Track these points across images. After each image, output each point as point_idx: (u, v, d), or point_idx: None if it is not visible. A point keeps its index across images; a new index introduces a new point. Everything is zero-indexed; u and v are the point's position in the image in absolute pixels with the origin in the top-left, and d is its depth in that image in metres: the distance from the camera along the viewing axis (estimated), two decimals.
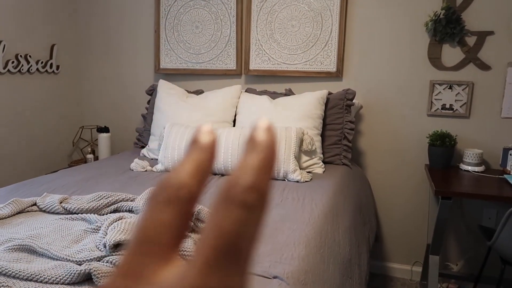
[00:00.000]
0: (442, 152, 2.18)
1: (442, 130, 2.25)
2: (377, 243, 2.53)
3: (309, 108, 2.19)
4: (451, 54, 2.26)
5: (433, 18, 2.21)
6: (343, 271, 1.40)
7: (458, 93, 2.27)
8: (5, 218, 1.39)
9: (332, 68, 2.44)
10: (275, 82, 2.58)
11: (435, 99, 2.31)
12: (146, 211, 0.19)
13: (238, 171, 0.18)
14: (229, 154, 1.99)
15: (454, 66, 2.26)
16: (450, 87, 2.27)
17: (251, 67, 2.59)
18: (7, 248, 1.16)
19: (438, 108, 2.31)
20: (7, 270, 1.04)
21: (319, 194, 1.77)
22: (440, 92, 2.29)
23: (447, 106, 2.29)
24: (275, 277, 1.08)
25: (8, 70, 2.45)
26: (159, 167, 2.11)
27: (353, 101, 2.29)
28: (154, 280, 0.17)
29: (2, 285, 0.99)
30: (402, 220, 2.49)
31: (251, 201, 0.17)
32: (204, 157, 0.19)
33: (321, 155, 2.21)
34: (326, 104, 2.28)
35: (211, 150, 0.19)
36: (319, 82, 2.50)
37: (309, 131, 2.15)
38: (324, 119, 2.27)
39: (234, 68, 2.63)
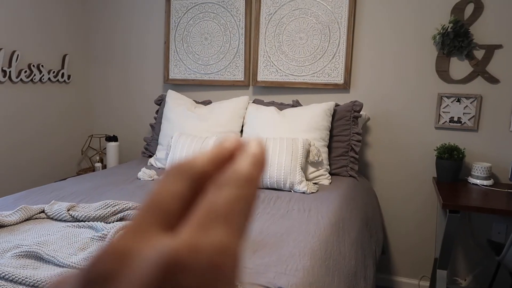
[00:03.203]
0: (450, 165, 2.16)
1: (450, 143, 2.24)
2: (383, 256, 2.50)
3: (316, 120, 2.20)
4: (459, 67, 2.26)
5: (441, 31, 2.22)
6: (348, 284, 1.38)
7: (466, 106, 2.26)
8: (13, 225, 1.41)
9: (340, 80, 2.45)
10: (282, 93, 2.59)
11: (443, 111, 2.30)
12: (159, 181, 0.20)
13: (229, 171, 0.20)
14: None
15: (463, 79, 2.25)
16: (458, 100, 2.27)
17: (259, 79, 2.61)
18: (14, 255, 1.17)
19: (446, 121, 2.30)
20: (13, 276, 1.05)
21: (325, 206, 1.76)
22: (448, 105, 2.29)
23: (455, 119, 2.28)
24: None
25: (21, 79, 2.50)
26: None
27: (360, 112, 2.29)
28: (155, 242, 0.17)
29: None
30: (409, 234, 2.47)
31: (241, 182, 0.19)
32: (224, 153, 0.21)
33: (328, 167, 2.21)
34: (333, 116, 2.29)
35: (232, 151, 0.21)
36: (326, 94, 2.51)
37: (316, 143, 2.15)
38: (331, 131, 2.27)
39: (242, 79, 2.65)
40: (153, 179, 2.12)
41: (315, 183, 2.09)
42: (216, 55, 2.69)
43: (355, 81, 2.46)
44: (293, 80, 2.54)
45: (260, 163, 0.20)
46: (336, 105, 2.33)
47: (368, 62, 2.42)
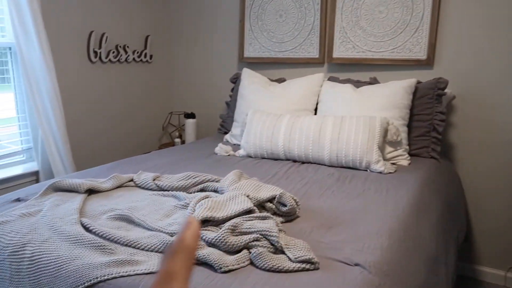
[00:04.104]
0: None
1: None
2: (466, 244, 2.35)
3: (396, 98, 2.09)
4: None
5: None
6: (429, 267, 1.33)
7: None
8: (107, 191, 1.55)
9: (422, 55, 2.29)
10: (359, 70, 2.50)
11: None
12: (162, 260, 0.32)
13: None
14: (310, 141, 1.99)
15: None
16: None
17: (334, 55, 2.54)
18: (110, 217, 1.30)
19: None
20: (110, 236, 1.17)
21: (404, 187, 1.69)
22: None
23: None
24: (356, 265, 1.06)
25: (109, 60, 2.70)
26: (241, 152, 2.18)
27: (445, 90, 2.14)
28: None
29: (106, 248, 1.11)
30: (496, 222, 2.28)
31: (187, 251, 0.30)
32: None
33: (407, 147, 2.10)
34: (414, 94, 2.16)
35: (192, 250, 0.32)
36: (407, 71, 2.37)
37: (394, 122, 2.06)
38: (411, 110, 2.15)
39: (317, 56, 2.60)
40: (229, 154, 2.19)
41: (393, 163, 2.01)
42: (291, 32, 2.66)
43: (439, 57, 2.29)
44: (371, 57, 2.43)
45: (196, 236, 0.31)
46: (418, 82, 2.20)
47: (455, 35, 2.23)
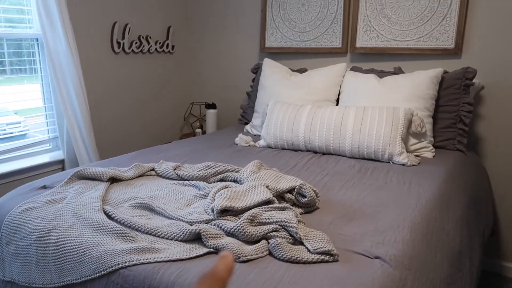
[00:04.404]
0: None
1: None
2: (492, 239, 2.29)
3: (421, 88, 2.04)
4: None
5: None
6: (452, 262, 1.29)
7: None
8: (129, 179, 1.58)
9: (450, 44, 2.22)
10: (382, 60, 2.44)
11: None
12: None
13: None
14: (331, 132, 1.96)
15: None
16: None
17: (357, 45, 2.48)
18: (132, 205, 1.32)
19: None
20: (131, 223, 1.19)
21: (427, 180, 1.65)
22: None
23: None
24: (377, 257, 1.04)
25: (132, 50, 2.73)
26: (261, 143, 2.17)
27: (473, 80, 2.06)
28: None
29: (128, 235, 1.13)
30: None
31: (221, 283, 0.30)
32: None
33: (432, 139, 2.05)
34: (440, 84, 2.09)
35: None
36: (433, 60, 2.30)
37: (419, 112, 2.00)
38: (437, 100, 2.09)
39: (340, 46, 2.55)
40: (249, 145, 2.19)
41: (416, 155, 1.96)
42: (313, 22, 2.62)
43: (468, 45, 2.20)
44: (395, 46, 2.37)
45: (230, 270, 0.31)
46: (445, 72, 2.13)
47: (485, 23, 2.14)
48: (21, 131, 2.28)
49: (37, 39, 2.27)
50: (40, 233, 1.20)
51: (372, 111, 1.95)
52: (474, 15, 2.17)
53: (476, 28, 2.17)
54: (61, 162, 2.38)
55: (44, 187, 1.52)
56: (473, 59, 2.20)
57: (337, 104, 2.30)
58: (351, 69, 2.40)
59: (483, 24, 2.15)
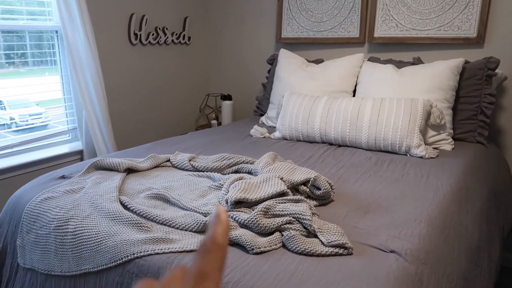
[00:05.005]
0: None
1: None
2: None
3: (441, 79, 1.99)
4: None
5: None
6: (470, 257, 1.27)
7: None
8: (145, 170, 1.60)
9: (472, 33, 2.15)
10: (401, 50, 2.39)
11: None
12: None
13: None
14: (347, 124, 1.93)
15: None
16: None
17: (375, 35, 2.43)
18: (147, 196, 1.33)
19: None
20: (146, 214, 1.20)
21: (446, 173, 1.61)
22: None
23: None
24: (392, 252, 1.03)
25: (149, 42, 2.74)
26: (277, 134, 2.16)
27: (496, 71, 2.00)
28: None
29: (143, 226, 1.15)
30: None
31: (218, 248, 0.28)
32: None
33: (451, 131, 2.00)
34: (461, 75, 2.04)
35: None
36: (454, 50, 2.23)
37: (438, 104, 1.96)
38: (457, 91, 2.04)
39: (357, 36, 2.50)
40: (264, 137, 2.18)
41: (435, 148, 1.92)
42: (330, 11, 2.58)
43: (491, 34, 2.13)
44: (415, 35, 2.31)
45: (227, 233, 0.29)
46: (466, 62, 2.07)
47: (510, 11, 2.06)
48: (42, 122, 2.33)
49: (56, 31, 2.30)
50: (59, 222, 1.23)
51: (389, 103, 1.91)
52: (497, 3, 2.09)
53: (500, 17, 2.09)
54: (80, 152, 2.43)
55: (63, 177, 1.56)
56: (496, 48, 2.13)
57: (354, 96, 2.27)
58: (369, 60, 2.36)
59: (507, 13, 2.07)
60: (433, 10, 2.24)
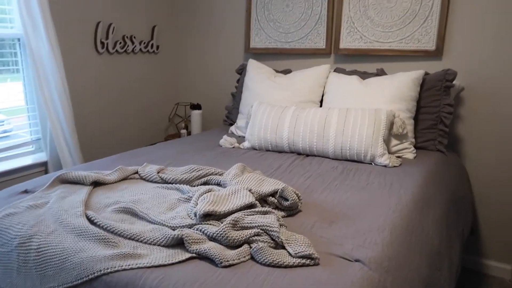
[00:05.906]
0: None
1: None
2: (472, 237, 2.34)
3: (403, 90, 2.07)
4: None
5: None
6: (431, 262, 1.33)
7: None
8: (112, 183, 1.57)
9: (431, 46, 2.26)
10: (366, 61, 2.47)
11: None
12: None
13: None
14: (314, 134, 1.98)
15: None
16: None
17: (341, 46, 2.51)
18: (114, 210, 1.32)
19: None
20: (114, 229, 1.19)
21: (408, 181, 1.68)
22: None
23: None
24: (357, 261, 1.07)
25: (116, 50, 2.70)
26: (246, 144, 2.18)
27: (453, 82, 2.11)
28: None
29: (110, 241, 1.13)
30: (503, 215, 2.26)
31: None
32: None
33: (413, 140, 2.09)
34: (422, 86, 2.13)
35: None
36: (414, 62, 2.34)
37: (401, 114, 2.04)
38: (418, 102, 2.13)
39: (324, 47, 2.57)
40: (233, 147, 2.19)
41: (398, 157, 2.00)
42: (297, 23, 2.64)
43: (448, 48, 2.25)
44: (378, 47, 2.40)
45: None
46: (426, 73, 2.17)
47: (466, 26, 2.19)
48: (5, 131, 2.25)
49: (18, 39, 2.23)
50: (21, 239, 1.19)
51: (354, 113, 1.97)
52: (454, 18, 2.21)
53: (457, 31, 2.21)
54: (44, 164, 2.35)
55: (26, 191, 1.51)
56: (453, 61, 2.24)
57: (321, 105, 2.33)
58: (335, 70, 2.43)
59: (464, 27, 2.19)
60: (395, 24, 2.34)
